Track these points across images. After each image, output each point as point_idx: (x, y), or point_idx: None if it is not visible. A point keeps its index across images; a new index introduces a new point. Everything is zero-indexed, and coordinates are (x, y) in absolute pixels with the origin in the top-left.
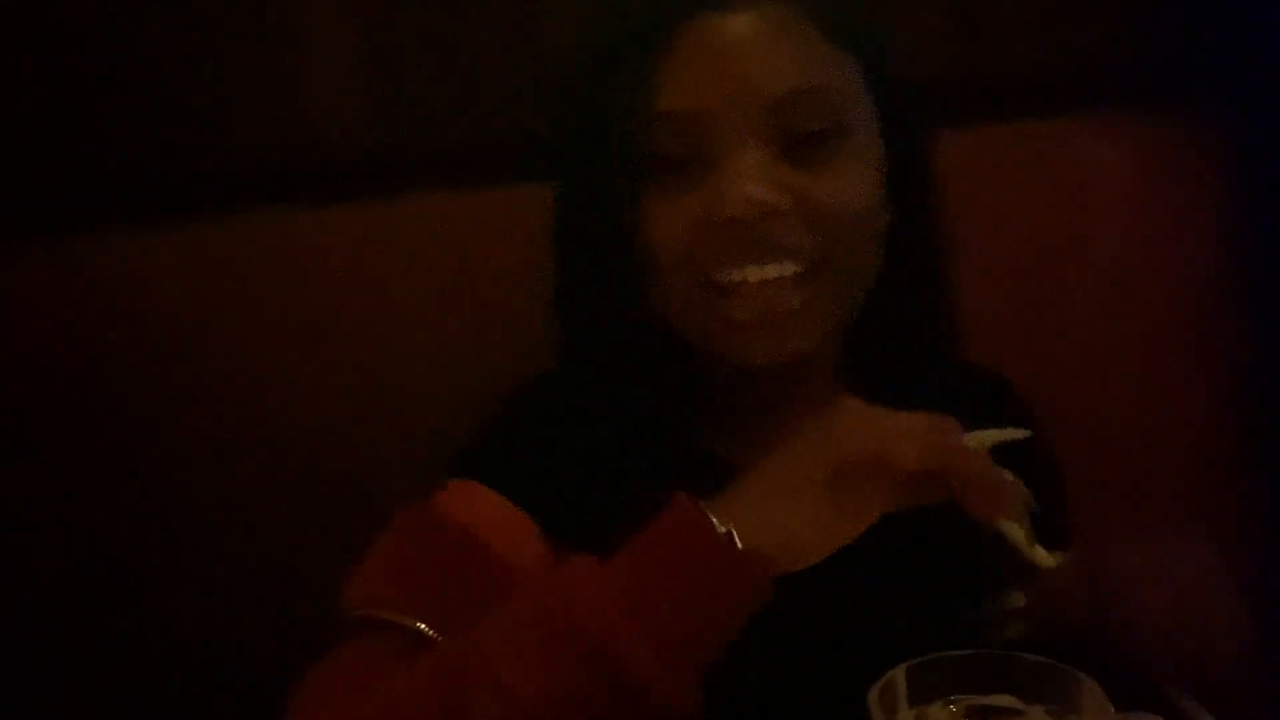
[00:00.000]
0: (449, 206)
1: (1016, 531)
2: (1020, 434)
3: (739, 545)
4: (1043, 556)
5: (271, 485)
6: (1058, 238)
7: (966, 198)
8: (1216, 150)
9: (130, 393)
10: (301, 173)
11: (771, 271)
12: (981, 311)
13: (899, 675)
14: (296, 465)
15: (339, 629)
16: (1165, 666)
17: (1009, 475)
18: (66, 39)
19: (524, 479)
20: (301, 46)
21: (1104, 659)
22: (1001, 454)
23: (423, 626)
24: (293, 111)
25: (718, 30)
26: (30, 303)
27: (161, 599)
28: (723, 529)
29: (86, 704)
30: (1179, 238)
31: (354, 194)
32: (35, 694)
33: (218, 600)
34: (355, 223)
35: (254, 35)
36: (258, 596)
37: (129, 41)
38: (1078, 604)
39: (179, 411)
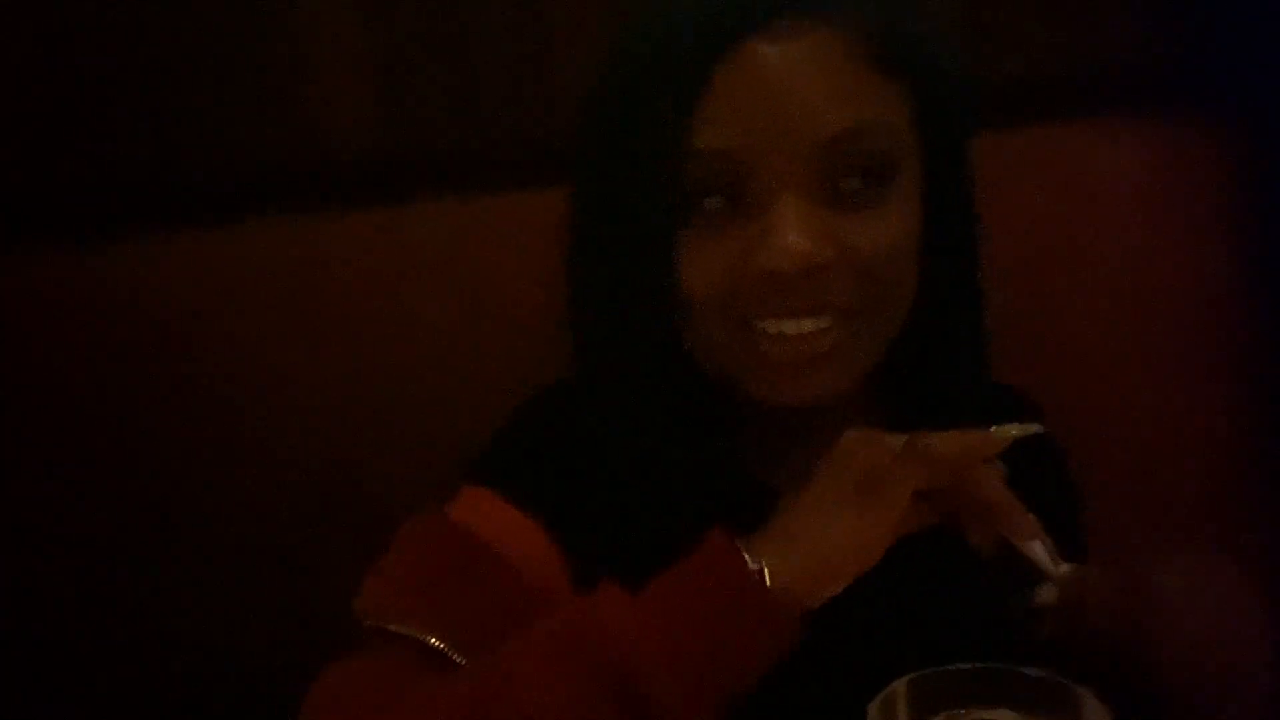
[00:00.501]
0: (456, 213)
1: (1039, 550)
2: (1035, 428)
3: (769, 583)
4: (1063, 573)
5: (282, 491)
6: (1068, 242)
7: (977, 201)
8: (1227, 155)
9: (137, 399)
10: (309, 180)
11: (808, 325)
12: (991, 316)
13: (900, 687)
14: (306, 470)
15: (354, 635)
16: (1191, 686)
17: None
18: (73, 47)
19: (541, 491)
20: (309, 54)
21: (1127, 674)
22: (1023, 472)
23: (436, 642)
24: (300, 118)
25: (762, 61)
26: (37, 310)
27: (168, 604)
28: (754, 565)
29: (90, 705)
30: (1190, 242)
31: (362, 201)
32: (40, 696)
33: (227, 605)
34: (363, 229)
35: (261, 42)
36: (268, 601)
37: (136, 49)
38: (1106, 615)
39: (185, 418)
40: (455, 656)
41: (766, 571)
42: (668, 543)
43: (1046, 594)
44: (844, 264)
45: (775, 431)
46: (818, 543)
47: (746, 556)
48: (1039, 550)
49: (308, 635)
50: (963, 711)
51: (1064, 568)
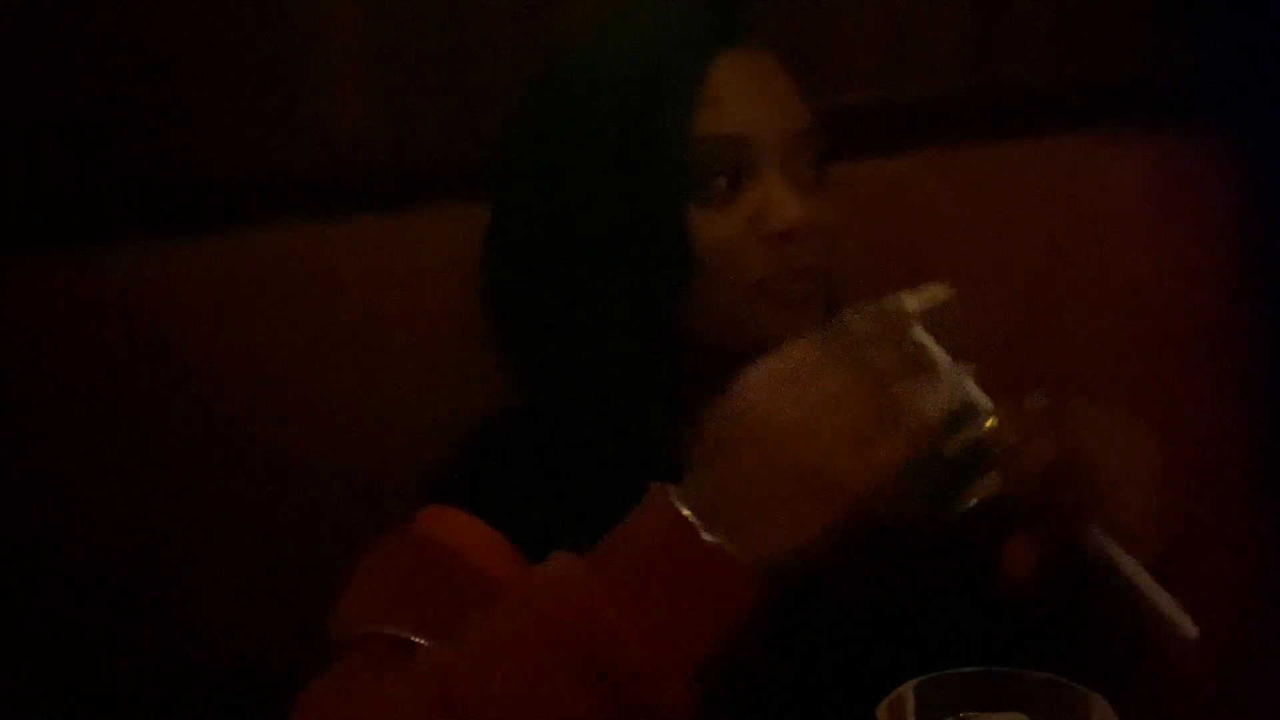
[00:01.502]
0: (462, 219)
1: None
2: (944, 291)
3: (727, 549)
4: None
5: (286, 498)
6: (1072, 252)
7: (983, 212)
8: (1233, 166)
9: (142, 404)
10: (315, 186)
11: (805, 283)
12: (997, 326)
13: (907, 691)
14: (310, 477)
15: (330, 655)
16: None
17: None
18: (80, 53)
19: (501, 506)
20: (315, 61)
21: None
22: None
23: (414, 637)
24: (307, 125)
25: (744, 65)
26: (41, 315)
27: (173, 610)
28: (711, 540)
29: (91, 706)
30: (1196, 254)
31: (368, 207)
32: (41, 696)
33: (228, 613)
34: (369, 236)
35: (267, 49)
36: (271, 606)
37: (143, 55)
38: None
39: (190, 424)
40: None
41: (725, 543)
42: None
43: (989, 484)
44: (820, 232)
45: None
46: (751, 521)
47: (700, 529)
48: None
49: (312, 639)
50: (971, 715)
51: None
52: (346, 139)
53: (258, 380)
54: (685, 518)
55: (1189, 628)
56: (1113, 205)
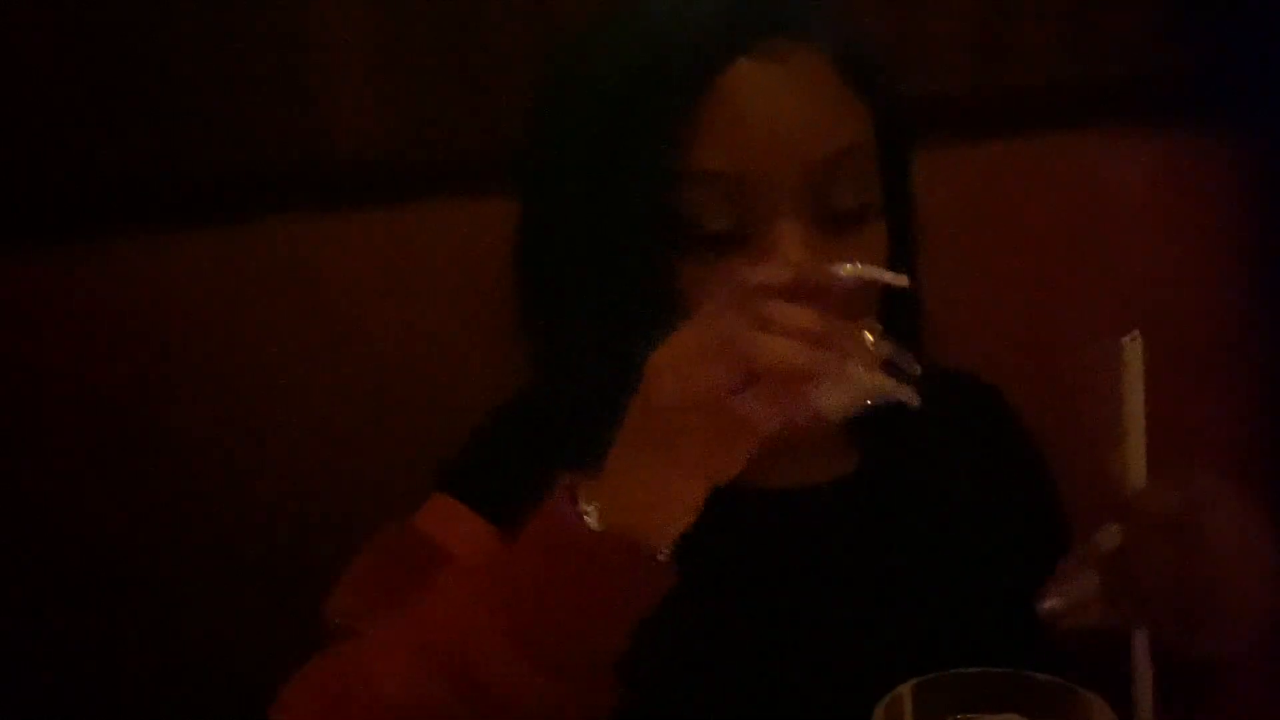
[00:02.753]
0: (462, 214)
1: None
2: (899, 279)
3: (594, 526)
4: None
5: (285, 494)
6: (1078, 250)
7: (987, 211)
8: (1237, 165)
9: (140, 398)
10: (315, 180)
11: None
12: (999, 325)
13: (905, 691)
14: (308, 471)
15: (302, 639)
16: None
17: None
18: (78, 48)
19: (502, 500)
20: (316, 54)
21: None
22: (991, 463)
23: None
24: (307, 119)
25: (755, 81)
26: (39, 309)
27: (164, 604)
28: (585, 508)
29: (88, 707)
30: (1202, 251)
31: (368, 201)
32: (40, 697)
33: (225, 606)
34: (369, 230)
35: (266, 43)
36: (266, 601)
37: (141, 50)
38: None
39: (187, 417)
40: None
41: (595, 513)
42: None
43: (1109, 538)
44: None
45: None
46: (649, 482)
47: (580, 503)
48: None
49: (305, 636)
50: (969, 716)
51: None
52: (347, 133)
53: (258, 375)
54: (568, 490)
55: None
56: (1118, 203)
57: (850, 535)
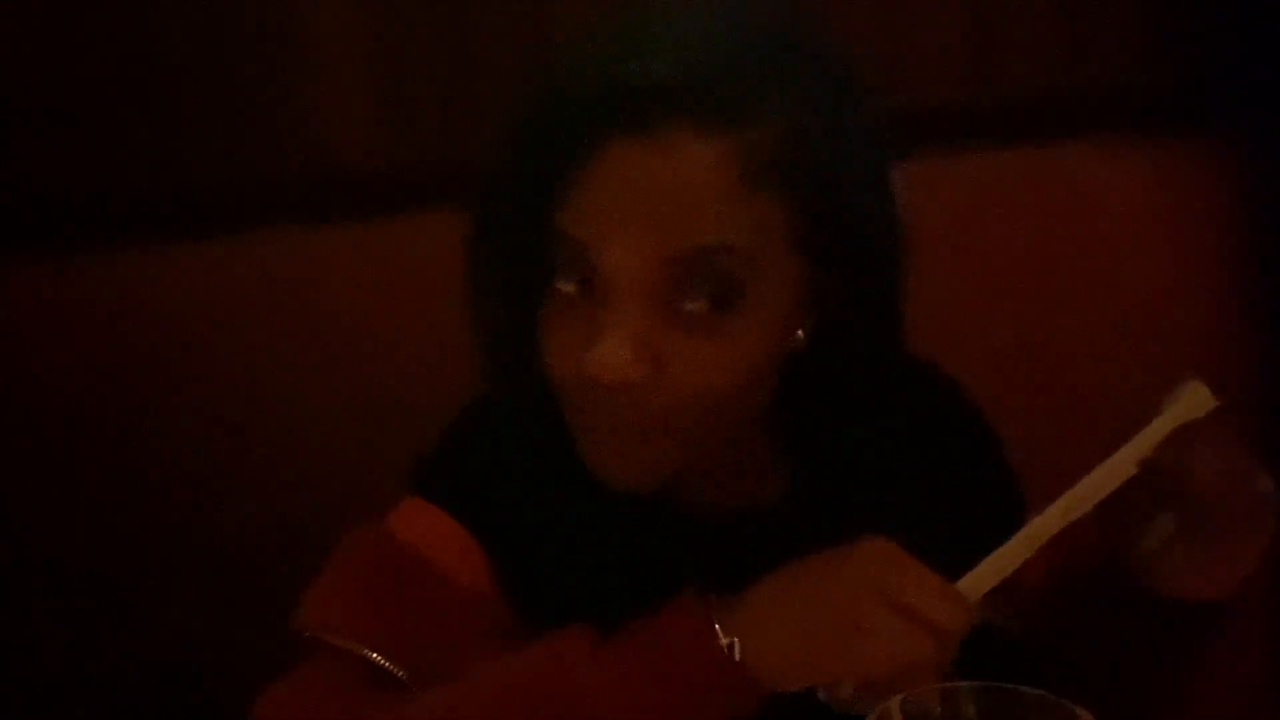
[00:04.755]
0: (455, 224)
1: None
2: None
3: (738, 659)
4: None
5: (276, 504)
6: (1068, 259)
7: (977, 221)
8: (1228, 175)
9: (134, 407)
10: (308, 191)
11: (620, 426)
12: (994, 334)
13: (894, 705)
14: (301, 480)
15: (294, 647)
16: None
17: None
18: (74, 60)
19: (473, 504)
20: (309, 65)
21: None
22: (943, 467)
23: (379, 658)
24: (300, 130)
25: (634, 160)
26: (33, 318)
27: (157, 610)
28: (726, 640)
29: (86, 710)
30: (1190, 262)
31: (361, 212)
32: (36, 705)
33: (213, 613)
34: (362, 240)
35: (261, 54)
36: (255, 609)
37: (136, 60)
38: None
39: (181, 427)
40: (398, 672)
41: (738, 647)
42: (594, 556)
43: (1163, 527)
44: (663, 386)
45: None
46: (781, 644)
47: (719, 629)
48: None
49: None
50: None
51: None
52: (339, 144)
53: (250, 384)
54: (709, 616)
55: None
56: (1110, 212)
57: (793, 552)
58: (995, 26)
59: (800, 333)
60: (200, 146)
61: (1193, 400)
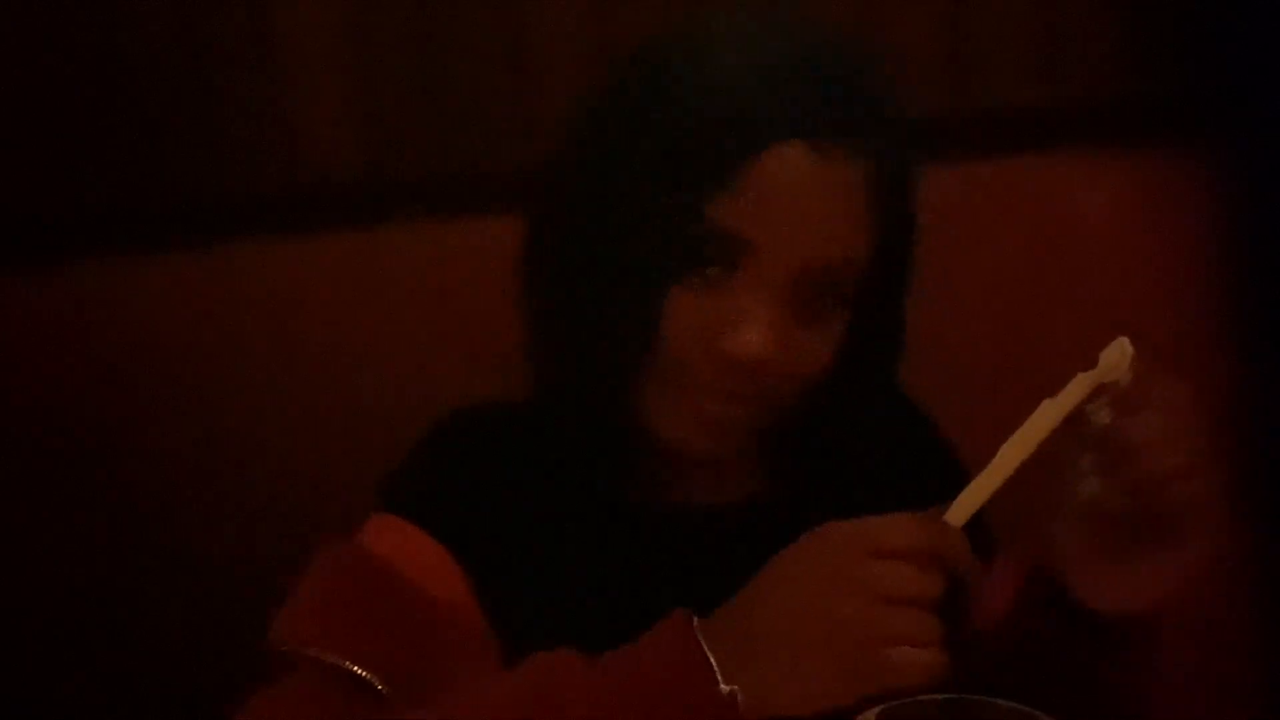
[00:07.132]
0: (434, 235)
1: None
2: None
3: (740, 702)
4: None
5: (261, 514)
6: (1051, 273)
7: (957, 234)
8: (1209, 187)
9: (114, 420)
10: (288, 202)
11: (734, 397)
12: (971, 349)
13: (870, 718)
14: (282, 491)
15: (269, 663)
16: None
17: None
18: (52, 70)
19: (448, 518)
20: (291, 76)
21: None
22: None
23: (359, 670)
24: (282, 141)
25: (794, 167)
26: (13, 331)
27: (140, 621)
28: (726, 689)
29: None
30: (1169, 274)
31: (340, 223)
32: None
33: (200, 625)
34: (341, 251)
35: (241, 66)
36: (240, 619)
37: (118, 72)
38: None
39: (161, 439)
40: (377, 684)
41: (739, 696)
42: (571, 568)
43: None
44: (787, 369)
45: (665, 461)
46: (774, 682)
47: (719, 674)
48: None
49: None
50: None
51: None
52: (319, 155)
53: (232, 395)
54: (706, 655)
55: None
56: (1089, 224)
57: (762, 555)
58: (974, 39)
59: None
60: (179, 158)
61: (1113, 356)
